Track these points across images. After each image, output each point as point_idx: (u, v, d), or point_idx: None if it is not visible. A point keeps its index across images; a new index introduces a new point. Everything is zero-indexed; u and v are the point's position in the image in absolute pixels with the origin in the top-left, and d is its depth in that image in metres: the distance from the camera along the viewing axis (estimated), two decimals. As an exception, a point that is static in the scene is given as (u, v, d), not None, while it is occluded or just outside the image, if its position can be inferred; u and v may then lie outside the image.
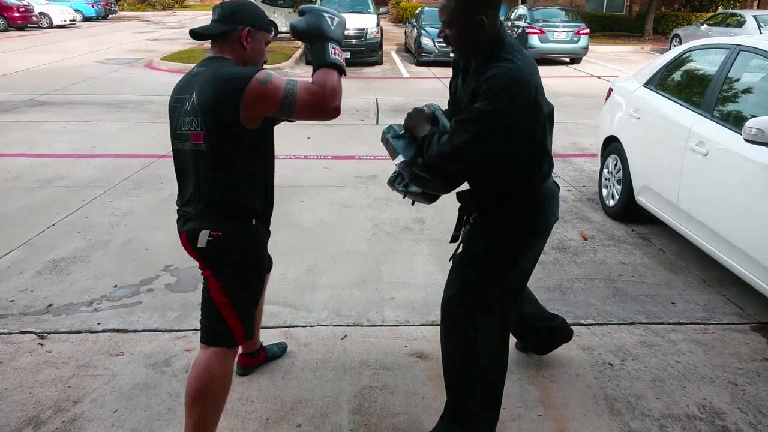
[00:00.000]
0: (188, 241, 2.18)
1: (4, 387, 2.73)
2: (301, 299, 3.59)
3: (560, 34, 15.77)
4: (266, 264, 2.42)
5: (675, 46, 16.13)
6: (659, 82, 4.66)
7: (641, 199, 4.56)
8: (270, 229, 2.38)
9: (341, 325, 3.30)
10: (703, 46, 4.42)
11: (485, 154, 2.02)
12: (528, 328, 2.85)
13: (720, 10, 22.37)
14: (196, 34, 2.16)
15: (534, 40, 15.71)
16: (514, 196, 2.20)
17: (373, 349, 3.07)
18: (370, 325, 3.32)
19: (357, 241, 4.47)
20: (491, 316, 2.28)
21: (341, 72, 2.04)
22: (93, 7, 33.02)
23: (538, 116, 2.06)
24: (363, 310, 3.48)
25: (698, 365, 2.97)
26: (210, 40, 2.18)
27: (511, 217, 2.22)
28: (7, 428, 2.47)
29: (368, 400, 2.68)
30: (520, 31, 16.26)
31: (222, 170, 2.09)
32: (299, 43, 18.92)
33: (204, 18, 32.90)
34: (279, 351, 3.00)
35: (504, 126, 1.97)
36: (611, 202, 5.04)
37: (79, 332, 3.21)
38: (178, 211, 2.26)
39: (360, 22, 15.09)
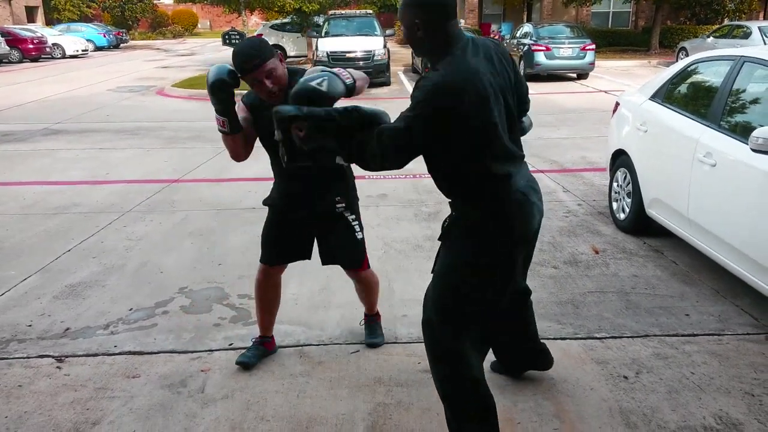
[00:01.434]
0: None
1: (23, 410, 2.77)
2: (315, 318, 3.62)
3: (566, 51, 15.87)
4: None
5: (682, 59, 16.17)
6: (665, 95, 4.69)
7: (651, 211, 4.57)
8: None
9: (354, 343, 3.32)
10: (707, 59, 4.45)
11: (413, 151, 2.09)
12: (510, 345, 2.84)
13: (726, 22, 22.40)
14: None
15: (540, 57, 15.82)
16: (475, 205, 2.22)
17: (386, 366, 3.09)
18: (384, 343, 3.33)
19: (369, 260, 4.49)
20: (464, 328, 2.28)
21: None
22: (105, 36, 33.71)
23: (457, 123, 2.04)
24: (376, 327, 3.50)
25: (713, 376, 2.96)
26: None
27: (472, 226, 2.23)
28: (28, 451, 2.51)
29: (383, 417, 2.69)
30: (525, 48, 16.37)
31: None
32: (307, 67, 19.14)
33: (214, 45, 33.46)
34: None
35: (419, 126, 2.03)
36: (622, 216, 5.05)
37: (96, 355, 3.26)
38: None
39: (367, 45, 15.30)
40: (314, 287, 4.04)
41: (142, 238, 5.06)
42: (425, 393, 2.85)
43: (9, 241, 5.00)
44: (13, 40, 24.93)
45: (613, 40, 24.89)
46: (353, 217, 2.96)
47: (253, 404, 2.80)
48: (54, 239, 5.03)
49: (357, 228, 2.98)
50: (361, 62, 14.92)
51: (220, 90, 2.55)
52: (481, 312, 2.33)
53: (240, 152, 2.79)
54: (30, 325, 3.59)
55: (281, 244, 2.99)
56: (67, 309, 3.80)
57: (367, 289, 3.24)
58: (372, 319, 3.39)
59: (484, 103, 2.05)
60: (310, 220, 2.93)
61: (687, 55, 17.36)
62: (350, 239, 2.98)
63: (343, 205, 2.89)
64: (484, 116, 2.07)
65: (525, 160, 2.34)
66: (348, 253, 3.03)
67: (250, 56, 2.53)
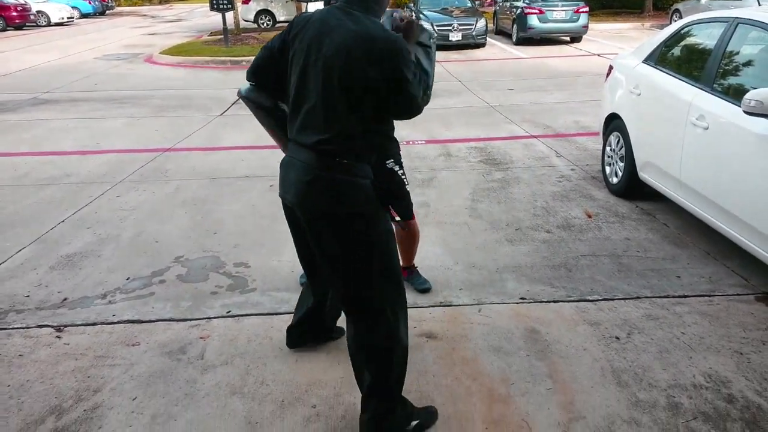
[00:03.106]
0: None
1: (26, 379, 2.81)
2: (311, 285, 3.65)
3: (559, 14, 15.68)
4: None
5: (675, 21, 16.01)
6: (658, 58, 4.67)
7: (644, 175, 4.59)
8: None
9: (351, 309, 3.36)
10: (701, 21, 4.42)
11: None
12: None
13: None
14: None
15: (533, 20, 15.64)
16: None
17: (383, 331, 3.13)
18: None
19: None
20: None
21: None
22: (90, 3, 32.99)
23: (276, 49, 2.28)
24: (372, 293, 3.54)
25: (704, 336, 3.02)
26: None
27: None
28: (32, 417, 2.55)
29: (380, 379, 2.73)
30: (518, 12, 16.18)
31: None
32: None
33: (201, 10, 32.85)
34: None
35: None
36: (614, 180, 5.07)
37: (95, 324, 3.28)
38: None
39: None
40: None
41: (136, 207, 5.05)
42: (421, 356, 2.91)
43: (2, 212, 4.98)
44: (-4, 8, 24.38)
45: (607, 3, 24.60)
46: (401, 171, 3.12)
47: (252, 369, 2.85)
48: (47, 210, 5.01)
49: (405, 180, 3.16)
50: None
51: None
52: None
53: None
54: (28, 296, 3.61)
55: None
56: (63, 279, 3.81)
57: (414, 239, 3.51)
58: (414, 269, 3.64)
59: None
60: None
61: (681, 17, 17.19)
62: (402, 192, 3.16)
63: (392, 161, 3.06)
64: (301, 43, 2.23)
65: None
66: (400, 205, 3.19)
67: None
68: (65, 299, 3.56)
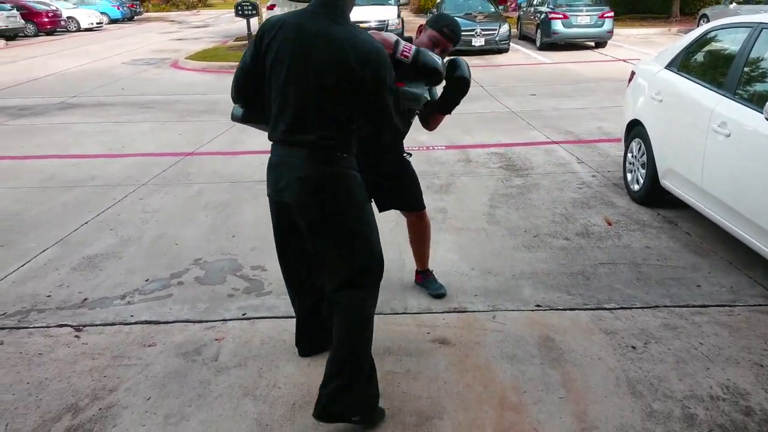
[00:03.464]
0: None
1: (44, 377, 2.86)
2: (326, 289, 3.67)
3: (584, 18, 15.56)
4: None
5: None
6: (681, 64, 4.60)
7: (666, 182, 4.52)
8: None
9: (365, 314, 3.36)
10: (724, 26, 4.35)
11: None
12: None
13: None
14: None
15: (557, 26, 15.54)
16: None
17: (396, 337, 3.13)
18: (393, 313, 3.38)
19: (380, 232, 4.51)
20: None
21: None
22: (119, 9, 33.58)
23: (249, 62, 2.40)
24: (386, 298, 3.52)
25: (723, 347, 2.97)
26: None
27: None
28: (49, 415, 2.59)
29: (391, 385, 2.74)
30: (542, 17, 16.09)
31: None
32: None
33: (227, 16, 33.24)
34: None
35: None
36: (636, 187, 5.01)
37: (113, 324, 3.34)
38: None
39: (381, 14, 15.14)
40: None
41: (158, 210, 5.12)
42: (433, 362, 2.90)
43: (28, 213, 5.09)
44: (28, 14, 24.91)
45: (633, 8, 24.33)
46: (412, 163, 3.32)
47: (265, 372, 2.87)
48: (72, 212, 5.11)
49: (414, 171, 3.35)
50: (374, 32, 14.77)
51: None
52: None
53: None
54: (49, 296, 3.68)
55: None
56: (84, 280, 3.88)
57: (426, 234, 3.53)
58: (429, 273, 3.63)
59: None
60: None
61: (708, 22, 16.95)
62: (414, 182, 3.34)
63: (410, 154, 3.27)
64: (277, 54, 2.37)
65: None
66: (413, 195, 3.37)
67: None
68: (85, 299, 3.63)
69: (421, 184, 3.40)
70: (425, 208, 3.43)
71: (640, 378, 2.75)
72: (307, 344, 2.95)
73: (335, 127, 2.30)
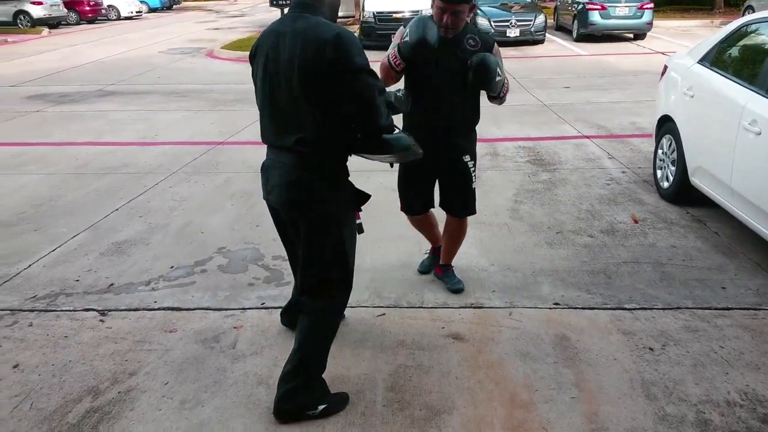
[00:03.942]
0: None
1: (68, 359, 2.96)
2: (345, 281, 3.70)
3: (622, 10, 15.21)
4: None
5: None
6: (714, 58, 4.48)
7: (695, 180, 4.42)
8: None
9: (381, 306, 3.39)
10: (759, 20, 4.21)
11: None
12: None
13: (800, -23, 20.93)
14: None
15: (595, 17, 15.24)
16: None
17: (410, 330, 3.15)
18: (409, 307, 3.39)
19: (401, 225, 4.51)
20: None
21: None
22: (158, -2, 34.14)
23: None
24: (403, 291, 3.56)
25: (744, 351, 2.90)
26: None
27: None
28: (70, 396, 2.69)
29: (403, 378, 2.76)
30: (580, 7, 15.77)
31: None
32: (354, 28, 18.98)
33: (264, 5, 33.48)
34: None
35: None
36: (665, 184, 4.91)
37: (137, 310, 3.43)
38: None
39: (414, 4, 15.04)
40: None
41: (186, 198, 5.22)
42: (446, 357, 2.91)
43: (62, 199, 5.25)
44: (71, 2, 25.52)
45: (675, -1, 23.70)
46: (473, 168, 3.30)
47: (280, 360, 2.90)
48: (104, 198, 5.25)
49: (474, 177, 3.33)
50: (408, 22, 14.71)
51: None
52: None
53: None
54: (77, 280, 3.80)
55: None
56: (112, 265, 3.99)
57: (461, 237, 3.53)
58: (450, 268, 3.63)
59: None
60: (437, 169, 3.31)
61: (754, 13, 16.39)
62: (468, 189, 3.33)
63: (468, 157, 3.26)
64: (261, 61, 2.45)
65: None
66: (463, 202, 3.38)
67: None
68: (112, 284, 3.73)
69: None
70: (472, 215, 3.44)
71: (655, 380, 2.71)
72: (285, 319, 3.13)
73: (313, 127, 2.28)
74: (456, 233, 3.49)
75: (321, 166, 2.36)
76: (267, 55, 2.32)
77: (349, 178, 2.54)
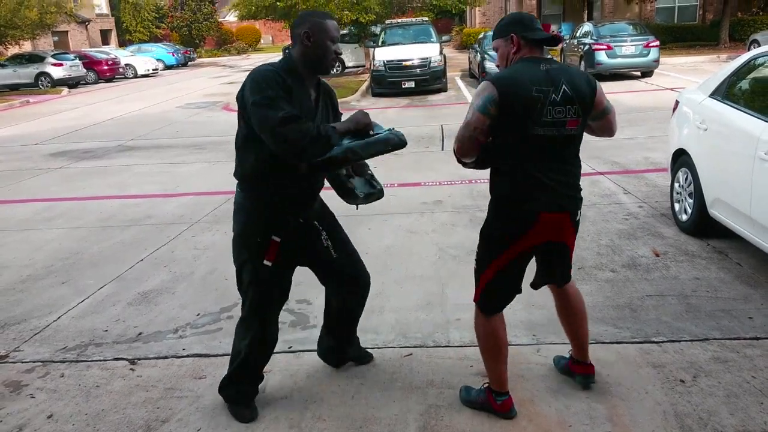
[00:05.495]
0: (570, 217, 2.57)
1: (101, 408, 2.99)
2: (369, 322, 3.71)
3: (629, 48, 15.47)
4: None
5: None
6: (725, 92, 4.55)
7: (714, 212, 4.44)
8: None
9: (408, 347, 3.40)
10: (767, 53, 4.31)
11: None
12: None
13: (803, 10, 21.26)
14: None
15: (602, 57, 15.49)
16: None
17: (438, 370, 3.15)
18: (436, 346, 3.40)
19: (423, 266, 4.57)
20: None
21: None
22: (173, 55, 35.23)
23: None
24: (429, 331, 3.57)
25: (777, 381, 2.87)
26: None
27: None
28: (105, 445, 2.71)
29: (434, 418, 2.75)
30: (586, 48, 16.06)
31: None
32: (365, 77, 19.40)
33: (276, 58, 34.35)
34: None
35: None
36: (684, 217, 4.92)
37: (166, 357, 3.47)
38: (546, 185, 2.47)
39: (423, 52, 15.41)
40: (369, 292, 4.13)
41: (209, 247, 5.31)
42: (476, 395, 2.90)
43: (88, 251, 5.36)
44: (90, 63, 26.44)
45: (680, 36, 24.05)
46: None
47: (310, 404, 2.93)
48: (128, 250, 5.35)
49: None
50: (417, 70, 15.07)
51: None
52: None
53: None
54: (106, 330, 3.86)
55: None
56: (139, 315, 4.05)
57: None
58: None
59: None
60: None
61: (759, 47, 16.57)
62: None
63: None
64: None
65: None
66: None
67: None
68: (140, 333, 3.78)
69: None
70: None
71: (688, 412, 2.68)
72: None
73: (237, 155, 2.63)
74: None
75: (242, 192, 2.69)
76: None
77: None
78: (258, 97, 2.37)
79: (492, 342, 2.66)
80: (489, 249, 2.60)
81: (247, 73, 2.54)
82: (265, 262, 2.64)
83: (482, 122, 2.42)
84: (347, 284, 2.99)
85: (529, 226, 2.49)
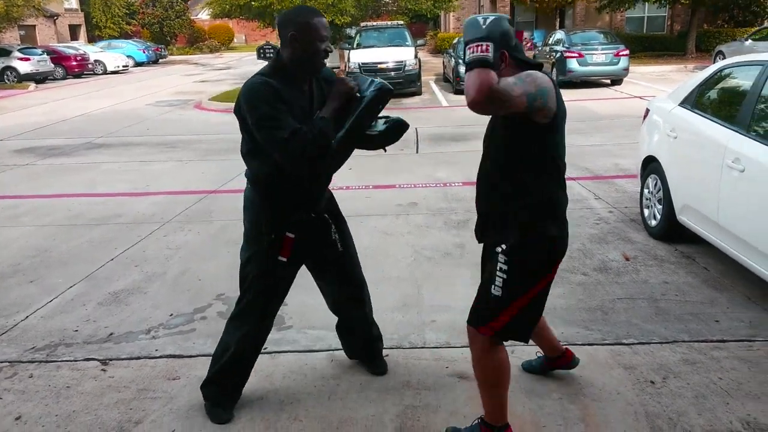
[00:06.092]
0: None
1: (72, 410, 2.94)
2: (346, 324, 3.72)
3: (599, 57, 15.76)
4: None
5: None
6: (695, 101, 4.68)
7: (683, 218, 4.55)
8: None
9: (384, 348, 3.40)
10: (736, 64, 4.44)
11: None
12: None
13: (766, 24, 21.92)
14: None
15: (573, 64, 15.74)
16: None
17: (415, 371, 3.17)
18: (412, 348, 3.42)
19: (399, 267, 4.59)
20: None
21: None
22: (144, 52, 34.68)
23: None
24: (405, 333, 3.59)
25: (742, 382, 2.96)
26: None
27: None
28: (76, 447, 2.66)
29: (411, 419, 2.77)
30: (558, 55, 16.31)
31: None
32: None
33: (250, 58, 34.11)
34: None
35: None
36: (653, 222, 5.03)
37: (138, 358, 3.42)
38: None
39: (398, 55, 15.47)
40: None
41: (182, 247, 5.24)
42: (452, 396, 2.93)
43: (56, 250, 5.25)
44: (58, 58, 25.86)
45: (649, 45, 24.60)
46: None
47: (286, 405, 2.91)
48: (98, 248, 5.25)
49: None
50: (392, 72, 15.09)
51: None
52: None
53: None
54: (76, 330, 3.78)
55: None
56: (110, 315, 3.98)
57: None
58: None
59: None
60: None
61: (724, 58, 17.04)
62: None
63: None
64: None
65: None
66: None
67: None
68: (111, 334, 3.72)
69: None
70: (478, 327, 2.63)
71: (659, 413, 2.75)
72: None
73: (244, 160, 2.67)
74: None
75: (251, 188, 2.72)
76: None
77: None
78: (257, 118, 2.41)
79: (500, 371, 2.45)
80: (524, 276, 2.35)
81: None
82: (280, 258, 2.66)
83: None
84: (346, 284, 3.01)
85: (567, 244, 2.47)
